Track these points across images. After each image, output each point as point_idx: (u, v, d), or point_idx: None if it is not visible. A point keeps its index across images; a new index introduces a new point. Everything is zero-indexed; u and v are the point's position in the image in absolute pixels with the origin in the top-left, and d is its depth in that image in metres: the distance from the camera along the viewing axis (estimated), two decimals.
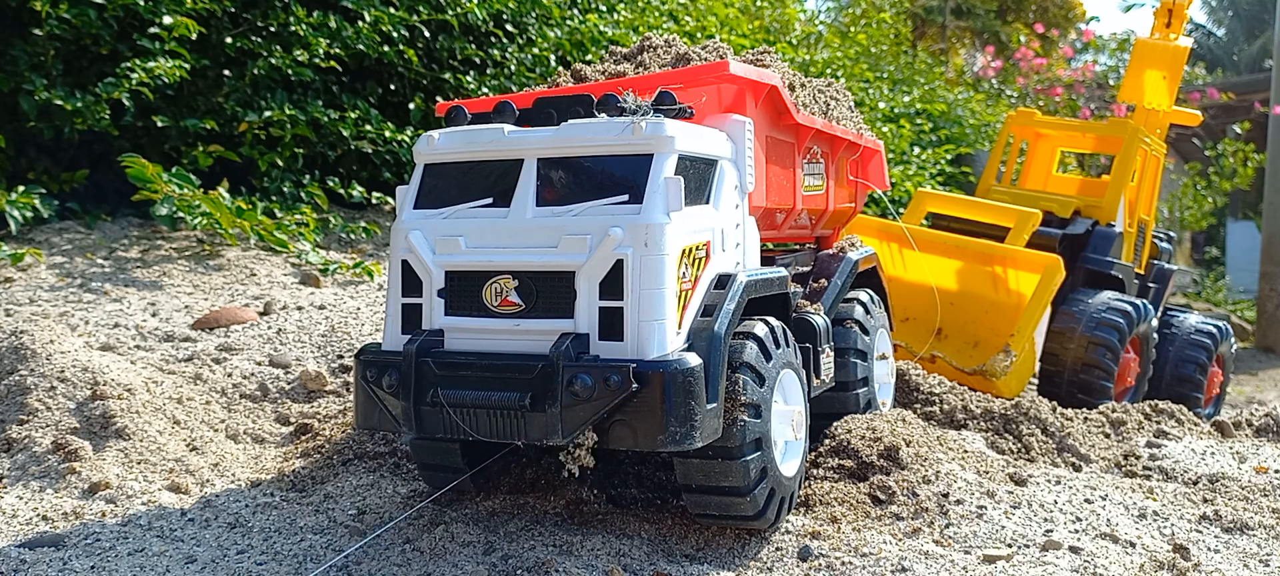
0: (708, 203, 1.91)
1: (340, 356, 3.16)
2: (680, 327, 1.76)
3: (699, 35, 6.67)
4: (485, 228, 1.83)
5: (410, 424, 1.80)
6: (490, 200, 1.85)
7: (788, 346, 2.01)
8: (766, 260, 2.39)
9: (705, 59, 2.35)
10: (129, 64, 3.90)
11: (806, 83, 2.49)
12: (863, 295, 2.63)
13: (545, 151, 1.82)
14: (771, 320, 1.96)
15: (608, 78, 2.34)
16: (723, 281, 1.88)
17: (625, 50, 2.55)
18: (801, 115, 2.29)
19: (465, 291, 1.83)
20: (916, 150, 8.04)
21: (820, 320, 2.31)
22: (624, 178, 1.77)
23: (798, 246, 2.72)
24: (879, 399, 2.68)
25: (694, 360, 1.69)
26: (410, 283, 1.88)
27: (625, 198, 1.75)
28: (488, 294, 1.80)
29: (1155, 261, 4.77)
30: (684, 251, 1.78)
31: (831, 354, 2.36)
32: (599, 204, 1.76)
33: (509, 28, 5.40)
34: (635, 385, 1.63)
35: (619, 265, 1.70)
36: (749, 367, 1.83)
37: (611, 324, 1.71)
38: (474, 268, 1.81)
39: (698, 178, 1.88)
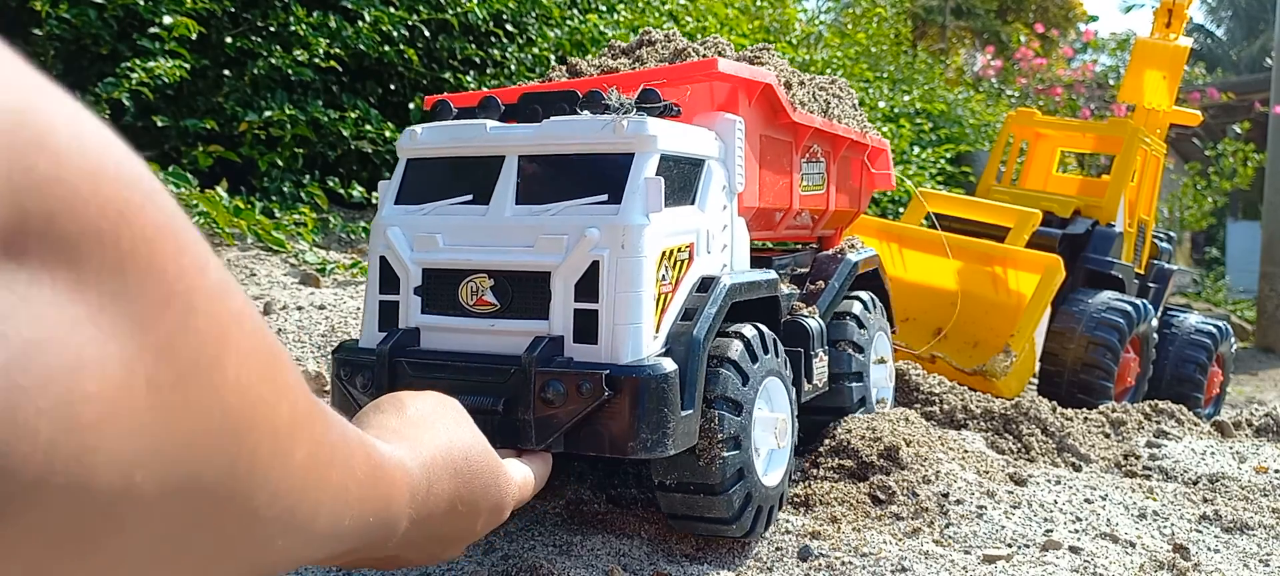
0: (693, 203, 1.86)
1: None
2: (657, 331, 1.70)
3: (699, 37, 6.67)
4: (464, 225, 1.77)
5: None
6: (470, 197, 1.79)
7: (773, 354, 1.95)
8: (764, 260, 2.37)
9: (704, 55, 2.32)
10: (129, 64, 3.90)
11: (806, 81, 2.44)
12: (856, 307, 2.55)
13: (526, 148, 1.77)
14: (748, 330, 1.89)
15: (602, 72, 2.29)
16: (706, 284, 1.83)
17: (624, 45, 2.49)
18: (798, 114, 2.24)
19: (442, 290, 1.78)
20: (916, 150, 8.04)
21: (814, 323, 2.26)
22: (604, 177, 1.71)
23: (799, 246, 2.69)
24: (877, 405, 2.64)
25: (669, 366, 1.64)
26: (387, 279, 1.83)
27: (604, 197, 1.69)
28: (464, 293, 1.75)
29: (1155, 261, 4.77)
30: (664, 253, 1.72)
31: (825, 357, 2.31)
32: (577, 203, 1.70)
33: (509, 28, 5.40)
34: (608, 391, 1.58)
35: (594, 266, 1.65)
36: (727, 402, 1.76)
37: (586, 326, 1.66)
38: (450, 266, 1.76)
39: (683, 178, 1.83)
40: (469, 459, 1.08)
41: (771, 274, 2.09)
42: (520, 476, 1.36)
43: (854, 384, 2.48)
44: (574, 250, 1.66)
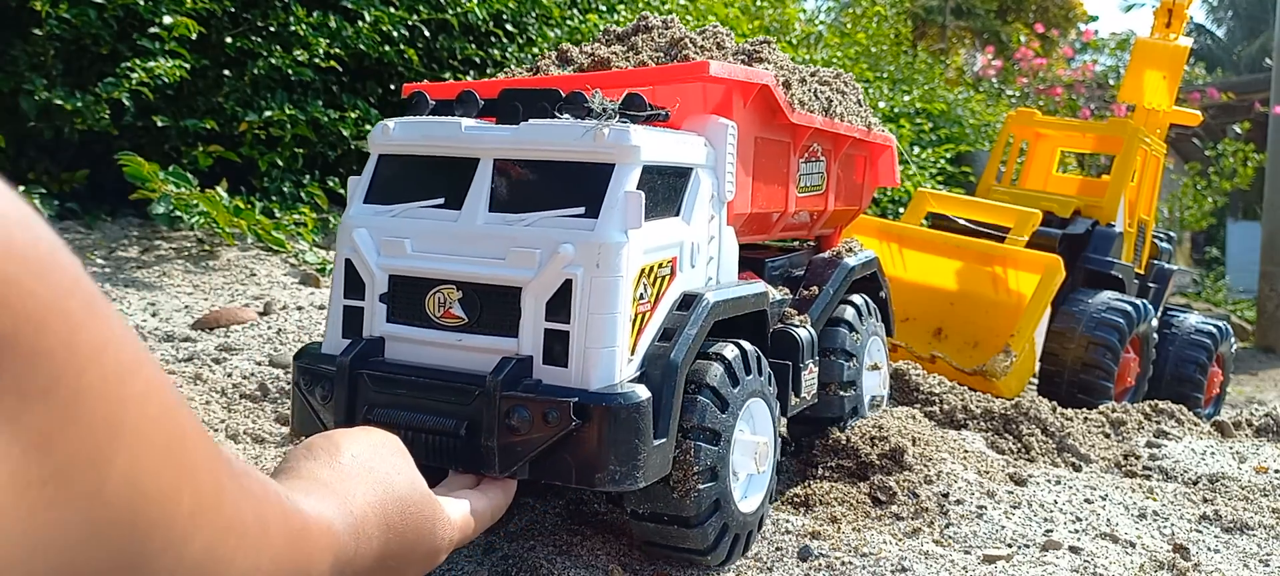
0: (678, 215, 1.75)
1: None
2: (633, 353, 1.60)
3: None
4: (433, 230, 1.66)
5: None
6: (442, 200, 1.68)
7: (757, 374, 1.85)
8: (757, 261, 2.31)
9: (703, 45, 2.22)
10: (129, 64, 3.90)
11: (808, 77, 2.36)
12: (843, 337, 2.39)
13: (501, 152, 1.65)
14: (730, 350, 1.79)
15: (592, 62, 2.19)
16: (687, 302, 1.72)
17: (619, 31, 2.38)
18: (797, 114, 2.15)
19: (408, 298, 1.67)
20: (916, 150, 8.05)
21: (805, 334, 2.15)
22: (582, 188, 1.59)
23: (797, 244, 2.64)
24: (870, 411, 2.55)
25: (642, 394, 1.53)
26: (353, 283, 1.72)
27: (582, 210, 1.57)
28: (430, 303, 1.64)
29: (1155, 261, 4.77)
30: (643, 271, 1.62)
31: (815, 369, 2.22)
32: (553, 215, 1.59)
33: (509, 27, 5.40)
34: (576, 420, 1.48)
35: (567, 285, 1.54)
36: (704, 430, 1.67)
37: (556, 348, 1.55)
38: (418, 274, 1.65)
39: (667, 188, 1.72)
40: (404, 510, 1.06)
41: (760, 286, 1.99)
42: (459, 518, 1.31)
43: (849, 424, 2.40)
44: (547, 266, 1.55)
